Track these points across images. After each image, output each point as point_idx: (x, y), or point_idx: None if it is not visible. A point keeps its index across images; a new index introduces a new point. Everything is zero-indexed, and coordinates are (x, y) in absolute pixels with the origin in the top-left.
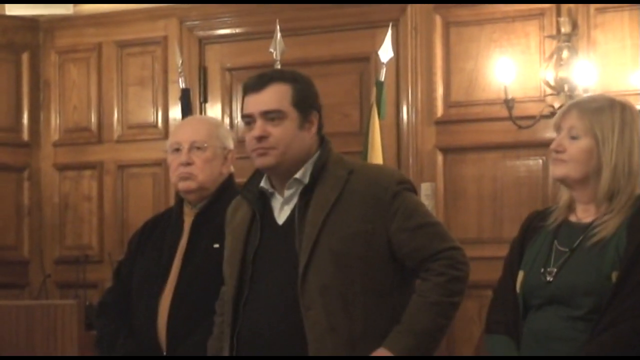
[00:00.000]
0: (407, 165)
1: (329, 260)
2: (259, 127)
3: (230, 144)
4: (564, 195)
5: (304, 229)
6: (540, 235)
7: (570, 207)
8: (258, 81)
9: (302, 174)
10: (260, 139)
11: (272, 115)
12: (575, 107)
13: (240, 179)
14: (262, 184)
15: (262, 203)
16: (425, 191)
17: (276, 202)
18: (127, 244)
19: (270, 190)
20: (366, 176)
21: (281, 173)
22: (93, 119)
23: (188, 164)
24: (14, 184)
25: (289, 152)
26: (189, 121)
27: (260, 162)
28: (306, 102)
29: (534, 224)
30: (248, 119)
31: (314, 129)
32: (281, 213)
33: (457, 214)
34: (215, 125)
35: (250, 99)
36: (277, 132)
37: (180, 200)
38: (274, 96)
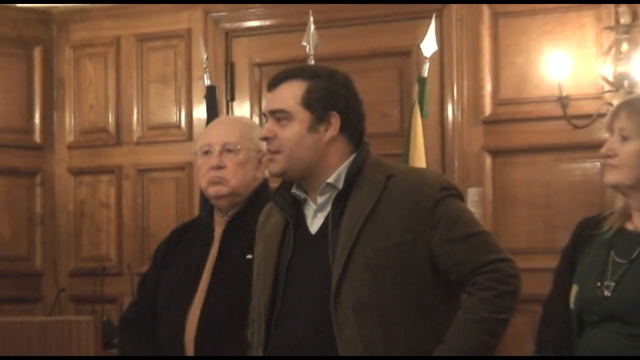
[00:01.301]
0: (451, 169)
1: (364, 274)
2: (265, 127)
3: (265, 147)
4: (619, 201)
5: (337, 239)
6: (593, 244)
7: (626, 214)
8: (275, 78)
9: (335, 179)
10: (267, 140)
11: (278, 115)
12: (625, 107)
13: (275, 185)
14: (294, 189)
15: (295, 210)
16: (471, 197)
17: (309, 209)
18: (152, 255)
19: (303, 196)
20: (406, 181)
21: (299, 179)
22: (111, 119)
23: (219, 167)
24: (25, 190)
25: (296, 156)
26: (220, 121)
27: (269, 168)
28: (322, 101)
29: (586, 232)
30: (265, 118)
31: (331, 132)
32: (314, 221)
33: (507, 222)
34: (248, 126)
35: (267, 97)
36: (282, 134)
37: (210, 208)
38: (284, 95)
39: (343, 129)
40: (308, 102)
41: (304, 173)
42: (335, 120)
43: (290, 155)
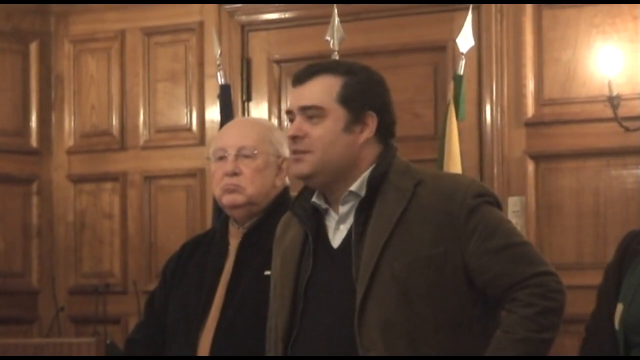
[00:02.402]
0: (490, 176)
1: (391, 291)
2: (294, 125)
3: (285, 151)
4: None
5: (361, 253)
6: None
7: None
8: (304, 72)
9: (359, 186)
10: (295, 139)
11: (310, 112)
12: None
13: (296, 193)
14: (315, 198)
15: (316, 221)
16: (512, 207)
17: (331, 221)
18: (161, 270)
19: (324, 206)
20: (437, 188)
21: (326, 185)
22: (114, 121)
23: (234, 174)
24: (20, 198)
25: (328, 158)
26: (236, 123)
27: (294, 169)
28: (359, 99)
29: (632, 246)
30: (290, 115)
31: (367, 133)
32: (336, 234)
33: (552, 234)
34: (267, 128)
35: (293, 93)
36: (314, 132)
37: (224, 218)
38: (316, 90)
39: (377, 131)
40: (345, 99)
41: (332, 178)
42: (372, 121)
43: (323, 156)
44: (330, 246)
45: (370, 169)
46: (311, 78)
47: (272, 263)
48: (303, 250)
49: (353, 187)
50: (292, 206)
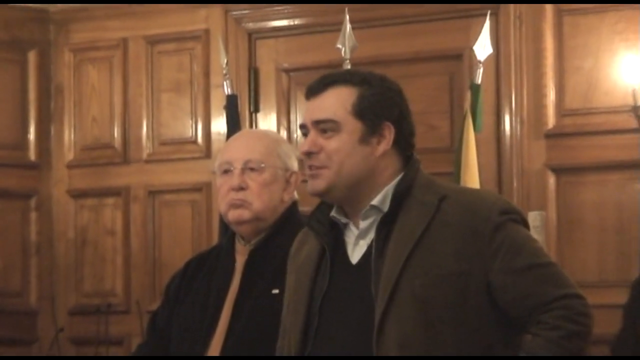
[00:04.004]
0: (509, 189)
1: (411, 310)
2: (308, 140)
3: (294, 165)
4: None
5: (381, 269)
6: None
7: None
8: (317, 84)
9: (381, 200)
10: (310, 154)
11: (324, 126)
12: None
13: (305, 208)
14: (334, 212)
15: (334, 236)
16: (532, 222)
17: (350, 236)
18: (164, 289)
19: (344, 220)
20: (462, 204)
21: (343, 200)
22: (117, 133)
23: (241, 188)
24: (18, 214)
25: (345, 172)
26: (242, 135)
27: (310, 186)
28: (375, 110)
29: None
30: (303, 129)
31: (384, 145)
32: (356, 249)
33: (573, 251)
34: (275, 141)
35: (306, 106)
36: (329, 146)
37: (231, 235)
38: (330, 103)
39: (396, 142)
40: (360, 111)
41: (350, 193)
42: (389, 132)
43: (339, 170)
44: (349, 262)
45: (395, 182)
46: (324, 90)
47: (287, 280)
48: (319, 265)
49: (375, 202)
50: (309, 221)
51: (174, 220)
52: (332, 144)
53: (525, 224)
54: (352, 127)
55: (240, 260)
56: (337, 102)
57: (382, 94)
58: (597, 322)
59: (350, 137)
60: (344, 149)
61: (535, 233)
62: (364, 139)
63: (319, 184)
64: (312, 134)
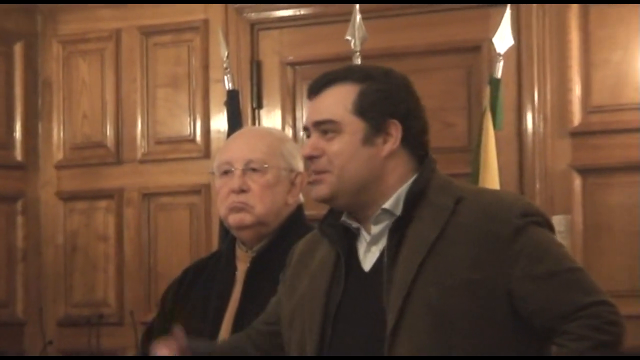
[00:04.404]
0: (532, 192)
1: (426, 320)
2: (310, 143)
3: (299, 165)
4: None
5: (394, 277)
6: None
7: None
8: (317, 83)
9: (393, 204)
10: (312, 159)
11: (325, 127)
12: None
13: (311, 212)
14: (344, 217)
15: (347, 242)
16: (557, 226)
17: (362, 242)
18: (159, 300)
19: (355, 225)
20: (479, 205)
21: (350, 205)
22: (109, 131)
23: (242, 190)
24: (3, 218)
25: (348, 176)
26: (244, 134)
27: (312, 192)
28: (379, 107)
29: None
30: (306, 132)
31: (391, 145)
32: (368, 256)
33: (601, 257)
34: (278, 139)
35: (308, 107)
36: (331, 149)
37: (231, 240)
38: (330, 102)
39: (404, 140)
40: (361, 109)
41: (357, 197)
42: (396, 130)
43: (341, 174)
44: (362, 269)
45: (408, 184)
46: (325, 89)
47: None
48: (334, 271)
49: (387, 205)
50: (321, 226)
51: (170, 224)
52: (334, 146)
53: (550, 227)
54: (354, 127)
55: (241, 268)
56: (336, 101)
57: (386, 90)
58: (627, 333)
59: (352, 138)
60: (346, 151)
61: (559, 239)
62: (368, 139)
63: (322, 190)
64: (314, 136)
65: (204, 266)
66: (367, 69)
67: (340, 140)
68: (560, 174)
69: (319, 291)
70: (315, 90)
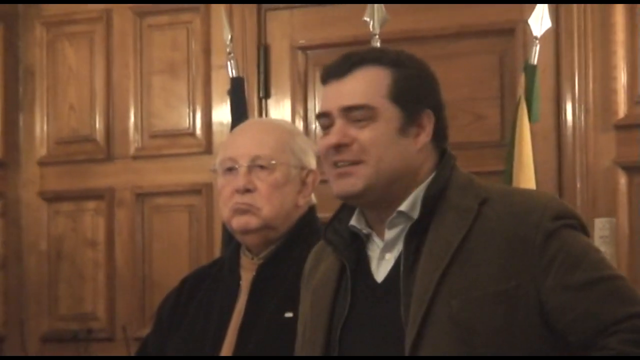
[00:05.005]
0: (572, 192)
1: (449, 335)
2: (337, 130)
3: (312, 162)
4: None
5: (412, 288)
6: None
7: None
8: (341, 64)
9: (410, 206)
10: (339, 148)
11: (357, 114)
12: None
13: (325, 214)
14: (353, 221)
15: (355, 250)
16: (599, 231)
17: (374, 249)
18: (155, 313)
19: (365, 230)
20: (507, 207)
21: (376, 204)
22: (98, 124)
23: (247, 190)
24: None
25: (384, 168)
26: (250, 127)
27: (339, 187)
28: (414, 96)
29: None
30: (324, 119)
31: (424, 137)
32: (381, 265)
33: None
34: (288, 133)
35: (328, 91)
36: (364, 136)
37: (235, 246)
38: (362, 85)
39: (434, 134)
40: (398, 96)
41: (387, 194)
42: (429, 121)
43: (377, 166)
44: (373, 280)
45: (426, 184)
46: (352, 70)
47: (300, 305)
48: (339, 286)
49: (403, 207)
50: (325, 232)
51: (167, 228)
52: (367, 134)
53: (585, 231)
54: (390, 114)
55: (246, 277)
56: (370, 84)
57: (420, 77)
58: None
59: (388, 127)
60: (382, 141)
61: (603, 244)
62: (404, 130)
63: (355, 183)
64: (340, 123)
65: (204, 275)
66: (395, 53)
67: (375, 128)
68: (603, 171)
69: (321, 307)
70: (339, 71)
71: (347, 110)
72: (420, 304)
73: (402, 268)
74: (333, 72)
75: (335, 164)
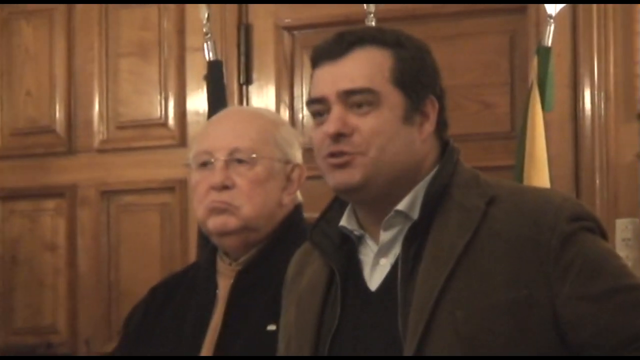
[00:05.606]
0: (591, 189)
1: (452, 349)
2: (335, 117)
3: (297, 156)
4: None
5: (411, 297)
6: None
7: None
8: (336, 44)
9: (409, 204)
10: (338, 137)
11: (358, 98)
12: None
13: (312, 213)
14: (343, 222)
15: (345, 254)
16: (622, 232)
17: (367, 253)
18: (122, 325)
19: (357, 232)
20: (517, 207)
21: (375, 200)
22: (59, 113)
23: (225, 187)
24: None
25: (387, 161)
26: (228, 117)
27: (337, 179)
28: (418, 80)
29: None
30: (318, 106)
31: (429, 126)
32: (375, 271)
33: None
34: (271, 123)
35: (322, 74)
36: (366, 125)
37: (212, 250)
38: (363, 67)
39: (436, 123)
40: (402, 80)
41: (388, 189)
42: (433, 109)
43: (380, 158)
44: (366, 288)
45: (427, 180)
46: (350, 51)
47: (283, 313)
48: (327, 293)
49: (401, 206)
50: (311, 234)
51: (136, 230)
52: (370, 122)
53: (603, 234)
54: (394, 100)
55: (224, 284)
56: (371, 66)
57: (422, 59)
58: None
59: (392, 114)
60: (386, 129)
61: (625, 248)
62: (408, 117)
63: (353, 175)
64: (338, 110)
65: (177, 283)
66: (395, 32)
67: (378, 115)
68: (625, 167)
69: (308, 318)
70: (336, 51)
71: (347, 95)
72: (420, 315)
73: (399, 274)
74: (327, 53)
75: (332, 154)
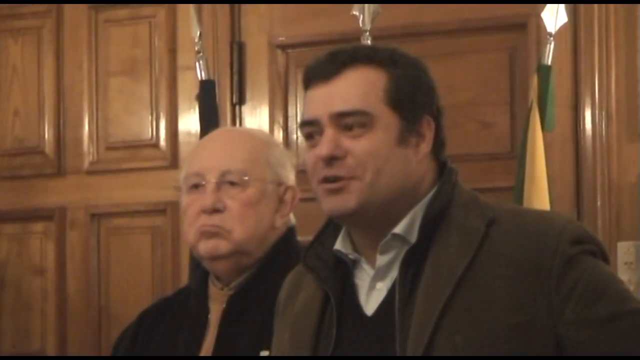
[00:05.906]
0: (592, 210)
1: None
2: (327, 139)
3: (290, 177)
4: None
5: (409, 322)
6: None
7: None
8: (328, 64)
9: (407, 227)
10: (331, 160)
11: (350, 120)
12: None
13: (306, 237)
14: (338, 245)
15: (340, 278)
16: (624, 255)
17: (362, 277)
18: (111, 350)
19: (353, 255)
20: (518, 230)
21: (370, 224)
22: (48, 133)
23: (216, 210)
24: None
25: (383, 185)
26: (219, 137)
27: (332, 204)
28: (413, 99)
29: None
30: (310, 128)
31: (425, 147)
32: (371, 295)
33: None
34: (263, 143)
35: (314, 95)
36: (359, 147)
37: (203, 274)
38: (355, 88)
39: (433, 143)
40: (396, 100)
41: (383, 213)
42: (429, 129)
43: (375, 182)
44: (362, 313)
45: (425, 201)
46: (342, 71)
47: (275, 338)
48: (322, 317)
49: (399, 229)
50: (305, 257)
51: (127, 253)
52: (363, 144)
53: (605, 258)
54: (388, 121)
55: (215, 309)
56: (364, 87)
57: (417, 77)
58: None
59: (386, 136)
60: (380, 152)
61: (627, 271)
62: (403, 139)
63: (348, 201)
64: (330, 132)
65: (167, 308)
66: (389, 50)
67: (372, 137)
68: (628, 188)
69: (302, 344)
70: (328, 72)
71: (339, 117)
72: (419, 341)
73: (397, 298)
74: (319, 73)
75: (326, 179)
